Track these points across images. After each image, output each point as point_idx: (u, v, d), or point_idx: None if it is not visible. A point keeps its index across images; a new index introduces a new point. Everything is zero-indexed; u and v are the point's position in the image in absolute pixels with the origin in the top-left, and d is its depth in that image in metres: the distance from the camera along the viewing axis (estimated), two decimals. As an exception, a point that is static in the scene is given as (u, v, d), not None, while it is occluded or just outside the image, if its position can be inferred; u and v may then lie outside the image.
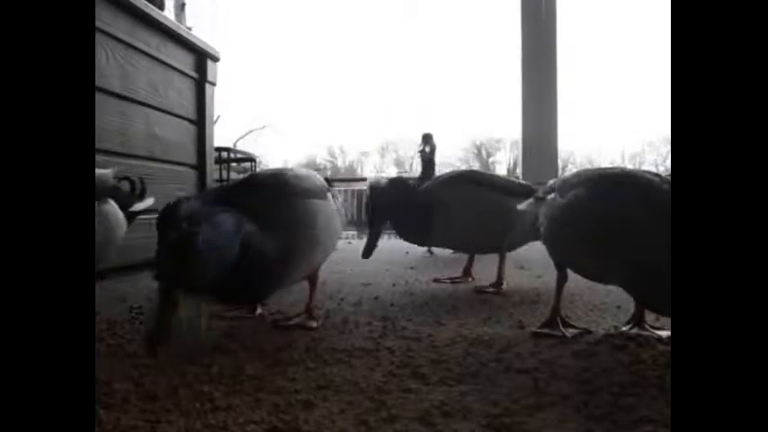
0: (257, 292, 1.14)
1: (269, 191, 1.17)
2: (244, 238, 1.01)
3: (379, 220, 1.84)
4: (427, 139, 2.92)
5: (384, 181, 1.91)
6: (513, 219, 1.71)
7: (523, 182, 2.08)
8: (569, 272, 1.25)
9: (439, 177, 2.00)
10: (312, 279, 1.37)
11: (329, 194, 1.35)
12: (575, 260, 1.18)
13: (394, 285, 1.93)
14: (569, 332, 1.21)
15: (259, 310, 1.43)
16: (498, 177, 1.97)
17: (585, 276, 1.19)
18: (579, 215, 1.08)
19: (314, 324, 1.29)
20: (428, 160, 2.85)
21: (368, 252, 1.83)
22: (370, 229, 1.84)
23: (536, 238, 1.71)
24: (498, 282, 1.83)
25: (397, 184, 1.90)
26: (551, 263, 1.28)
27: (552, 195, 1.21)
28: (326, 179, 1.46)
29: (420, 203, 1.83)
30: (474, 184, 1.85)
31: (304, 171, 1.36)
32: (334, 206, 1.35)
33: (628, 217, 0.97)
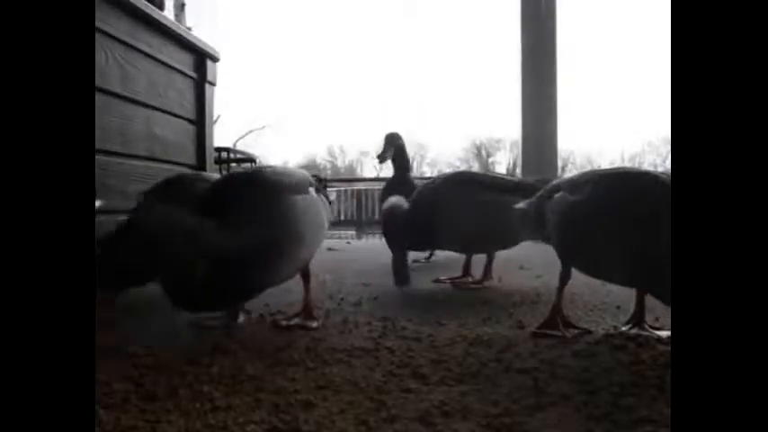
0: (203, 300, 1.07)
1: (234, 191, 1.14)
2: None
3: (396, 244, 1.73)
4: (390, 139, 2.59)
5: (389, 204, 1.84)
6: (507, 217, 1.70)
7: (523, 179, 2.04)
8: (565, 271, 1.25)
9: (433, 180, 1.94)
10: (304, 276, 1.35)
11: (311, 189, 1.31)
12: (586, 257, 1.17)
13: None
14: (569, 332, 1.21)
15: (241, 318, 1.36)
16: (491, 176, 1.91)
17: (595, 275, 1.18)
18: (594, 212, 1.08)
19: (314, 324, 1.29)
20: (400, 161, 2.60)
21: (400, 279, 1.65)
22: (393, 254, 1.73)
23: (531, 238, 1.72)
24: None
25: (394, 205, 1.84)
26: (551, 263, 1.28)
27: (560, 194, 1.21)
28: (318, 177, 1.45)
29: (414, 211, 1.79)
30: (465, 185, 1.81)
31: (280, 167, 1.33)
32: (315, 199, 1.30)
33: (644, 213, 0.98)
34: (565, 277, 1.26)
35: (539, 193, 1.37)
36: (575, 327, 1.25)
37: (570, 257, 1.24)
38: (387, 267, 2.37)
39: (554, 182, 1.34)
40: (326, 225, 1.38)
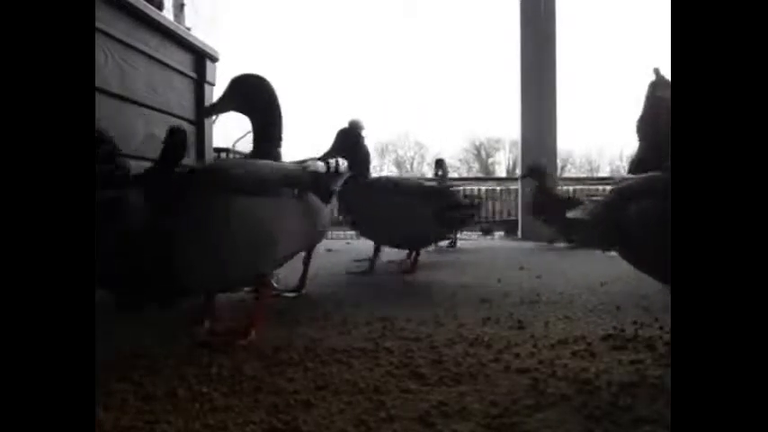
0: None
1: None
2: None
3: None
4: (440, 164, 3.65)
5: None
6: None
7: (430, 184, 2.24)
8: (564, 273, 1.22)
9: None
10: (261, 293, 1.19)
11: (289, 191, 1.20)
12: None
13: (393, 284, 1.93)
14: None
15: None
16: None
17: None
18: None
19: (242, 342, 1.12)
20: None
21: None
22: None
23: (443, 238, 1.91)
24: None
25: None
26: (551, 263, 1.27)
27: (648, 203, 1.02)
28: (328, 166, 1.42)
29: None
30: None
31: (260, 162, 1.18)
32: (285, 206, 1.18)
33: None
34: None
35: (603, 200, 1.20)
36: None
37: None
38: (386, 267, 2.37)
39: (621, 184, 1.16)
40: (297, 233, 1.25)
